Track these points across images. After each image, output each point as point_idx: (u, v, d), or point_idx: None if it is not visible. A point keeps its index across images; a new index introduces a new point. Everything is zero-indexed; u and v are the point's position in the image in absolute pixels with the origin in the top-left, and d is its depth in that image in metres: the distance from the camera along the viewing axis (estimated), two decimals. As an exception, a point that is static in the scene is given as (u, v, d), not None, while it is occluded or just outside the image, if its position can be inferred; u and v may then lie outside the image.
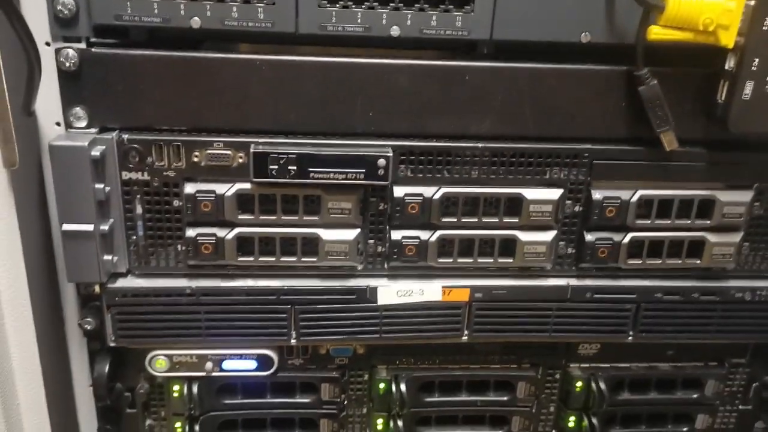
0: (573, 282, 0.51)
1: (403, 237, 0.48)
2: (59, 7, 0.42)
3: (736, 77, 0.44)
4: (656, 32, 0.43)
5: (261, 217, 0.47)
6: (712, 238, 0.50)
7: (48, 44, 0.43)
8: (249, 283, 0.49)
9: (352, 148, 0.46)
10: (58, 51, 0.43)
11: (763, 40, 0.43)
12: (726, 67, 0.44)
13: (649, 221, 0.50)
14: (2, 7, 0.37)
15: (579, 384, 0.56)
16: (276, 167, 0.45)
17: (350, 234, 0.48)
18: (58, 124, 0.45)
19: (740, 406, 0.59)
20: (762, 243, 0.52)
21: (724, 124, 0.45)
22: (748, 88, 0.44)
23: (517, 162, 0.48)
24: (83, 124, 0.45)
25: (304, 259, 0.49)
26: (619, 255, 0.50)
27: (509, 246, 0.50)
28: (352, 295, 0.50)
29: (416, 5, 0.44)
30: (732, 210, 0.49)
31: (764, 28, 0.42)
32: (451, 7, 0.44)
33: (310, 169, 0.46)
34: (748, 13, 0.42)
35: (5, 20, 0.38)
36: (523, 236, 0.49)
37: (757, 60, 0.43)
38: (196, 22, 0.43)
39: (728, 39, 0.43)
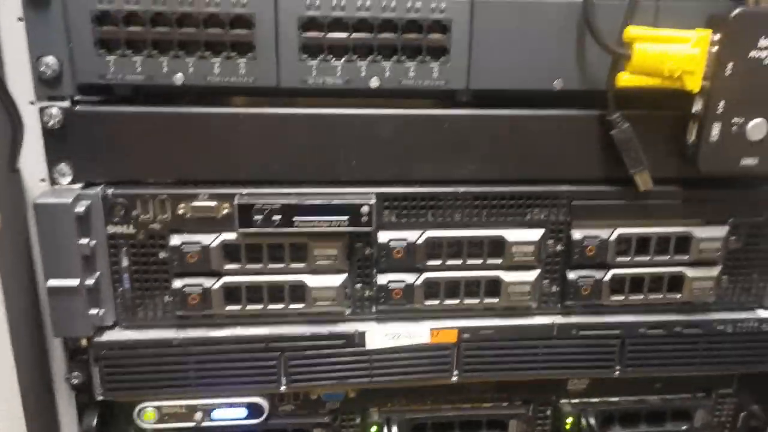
0: (558, 319, 0.52)
1: (390, 281, 0.49)
2: (43, 68, 0.43)
3: (704, 120, 0.45)
4: (625, 79, 0.45)
5: (247, 266, 0.48)
6: (690, 272, 0.51)
7: (32, 103, 0.44)
8: (237, 331, 0.49)
9: (335, 196, 0.47)
10: (42, 110, 0.44)
11: (726, 85, 0.44)
12: (693, 110, 0.46)
13: (628, 258, 0.51)
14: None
15: (570, 420, 0.57)
16: (260, 217, 0.46)
17: (337, 280, 0.49)
18: (42, 180, 0.46)
19: (729, 436, 0.60)
20: (740, 275, 0.53)
21: (695, 164, 0.47)
22: (716, 130, 0.45)
23: (498, 204, 0.49)
24: (68, 179, 0.46)
25: (291, 306, 0.49)
26: (602, 292, 0.51)
27: (494, 286, 0.50)
28: (341, 339, 0.50)
29: (394, 57, 0.45)
30: (709, 245, 0.51)
31: (727, 73, 0.44)
32: (428, 58, 0.45)
33: (295, 218, 0.46)
34: (711, 59, 0.44)
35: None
36: (507, 277, 0.50)
37: (722, 103, 0.45)
38: (178, 79, 0.44)
39: (694, 84, 0.44)
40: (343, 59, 0.45)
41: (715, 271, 0.52)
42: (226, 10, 0.43)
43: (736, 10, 0.43)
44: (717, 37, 0.44)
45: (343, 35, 0.44)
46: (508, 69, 0.46)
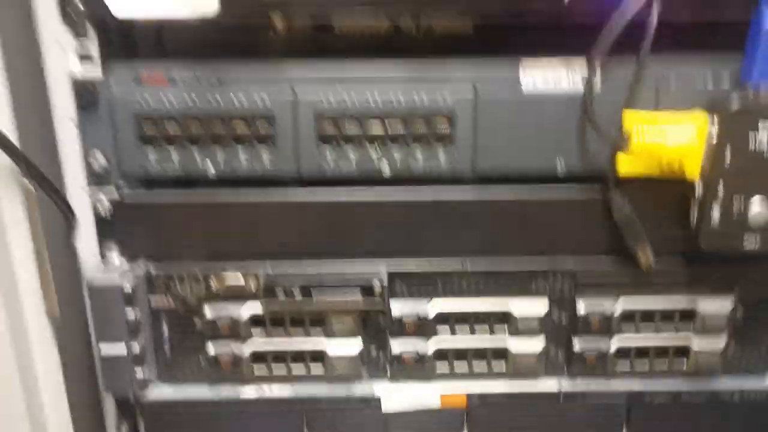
0: (565, 386, 0.54)
1: (402, 351, 0.53)
2: (92, 162, 0.49)
3: (704, 204, 0.47)
4: (625, 169, 0.47)
5: (273, 333, 0.53)
6: (696, 342, 0.53)
7: (83, 190, 0.50)
8: (264, 389, 0.54)
9: (351, 272, 0.51)
10: (93, 198, 0.50)
11: (725, 173, 0.46)
12: (696, 194, 0.47)
13: (633, 328, 0.53)
14: (39, 184, 0.44)
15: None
16: (283, 292, 0.51)
17: (354, 347, 0.53)
18: (94, 255, 0.52)
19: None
20: (747, 345, 0.54)
21: (698, 243, 0.48)
22: (716, 213, 0.47)
23: (504, 275, 0.52)
24: (116, 256, 0.52)
25: (313, 370, 0.54)
26: (607, 360, 0.53)
27: (502, 354, 0.53)
28: (357, 401, 0.54)
29: (404, 146, 0.49)
30: (714, 316, 0.52)
31: (723, 161, 0.45)
32: (435, 146, 0.49)
33: (313, 293, 0.51)
34: (710, 148, 0.45)
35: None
36: (514, 345, 0.53)
37: (721, 188, 0.46)
38: (211, 171, 0.50)
39: (693, 173, 0.46)
40: (357, 149, 0.49)
41: (721, 343, 0.53)
42: (250, 110, 0.48)
43: (736, 102, 0.44)
44: (715, 124, 0.45)
45: (355, 128, 0.48)
46: (510, 155, 0.49)
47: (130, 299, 0.51)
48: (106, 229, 0.51)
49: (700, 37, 0.47)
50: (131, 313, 0.51)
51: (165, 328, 0.53)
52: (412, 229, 0.51)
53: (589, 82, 0.47)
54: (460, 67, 0.48)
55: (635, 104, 0.47)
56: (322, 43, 0.51)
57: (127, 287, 0.50)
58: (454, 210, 0.51)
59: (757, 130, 0.45)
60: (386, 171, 0.50)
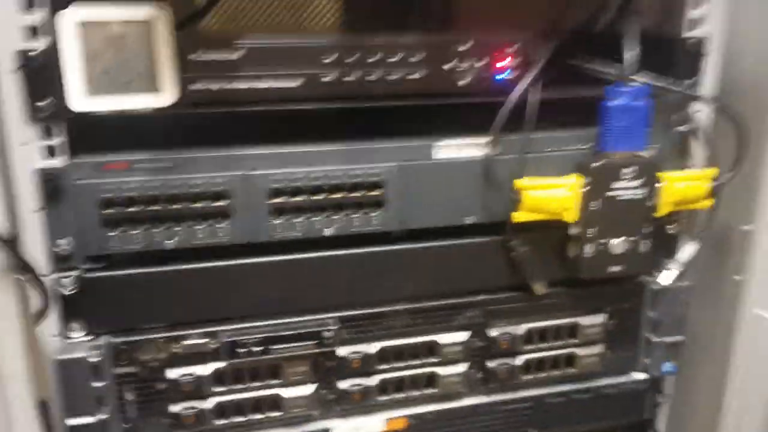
0: (483, 399, 0.65)
1: (350, 385, 0.61)
2: (58, 249, 0.52)
3: (579, 241, 0.60)
4: (519, 216, 0.59)
5: (233, 387, 0.58)
6: (580, 352, 0.66)
7: (46, 275, 0.53)
8: (225, 439, 0.60)
9: (303, 324, 0.58)
10: (56, 280, 0.53)
11: (593, 216, 0.59)
12: (572, 233, 0.61)
13: (534, 346, 0.65)
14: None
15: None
16: (243, 350, 0.57)
17: (308, 390, 0.60)
18: (55, 335, 0.55)
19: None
20: (617, 350, 0.68)
21: (577, 273, 0.62)
22: (588, 249, 0.60)
23: (432, 315, 0.62)
24: (78, 334, 0.55)
25: (270, 415, 0.60)
26: (516, 373, 0.65)
27: (433, 380, 0.63)
28: (312, 438, 0.61)
29: (342, 212, 0.57)
30: (592, 329, 0.66)
31: (593, 208, 0.59)
32: (369, 209, 0.58)
33: (271, 347, 0.57)
34: (582, 198, 0.59)
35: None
36: (442, 371, 0.63)
37: (591, 229, 0.60)
38: (169, 245, 0.55)
39: (570, 217, 0.59)
40: (303, 217, 0.57)
41: (598, 349, 0.67)
42: (206, 189, 0.54)
43: (596, 162, 0.58)
44: (584, 181, 0.59)
45: (301, 199, 0.56)
46: (430, 211, 0.60)
47: (95, 372, 0.54)
48: (68, 308, 0.54)
49: (572, 113, 0.61)
50: (97, 385, 0.54)
51: (129, 395, 0.57)
52: (354, 280, 0.60)
53: (489, 152, 0.59)
54: (386, 144, 0.58)
55: (525, 168, 0.59)
56: (270, 126, 0.58)
57: (93, 361, 0.53)
58: (387, 261, 0.60)
59: (613, 184, 0.59)
60: (328, 233, 0.58)
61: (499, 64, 0.59)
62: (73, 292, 0.53)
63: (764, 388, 0.68)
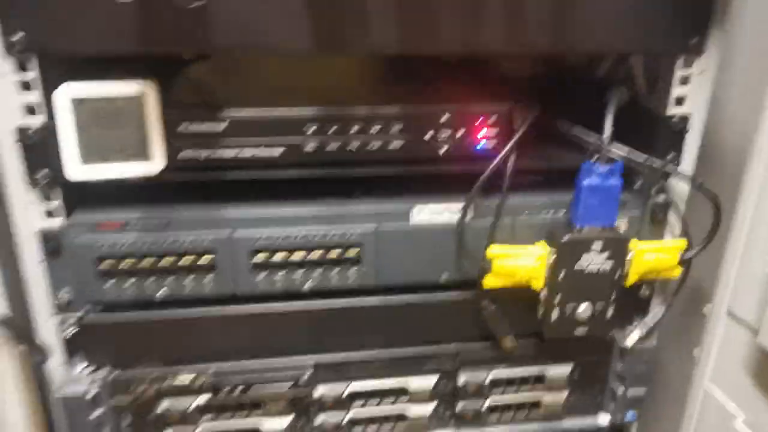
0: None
1: (323, 421, 0.66)
2: (60, 299, 0.58)
3: (546, 306, 0.63)
4: (490, 282, 0.62)
5: (218, 418, 0.65)
6: (546, 397, 0.70)
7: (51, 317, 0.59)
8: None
9: (282, 367, 0.64)
10: (60, 325, 0.59)
11: (560, 285, 0.61)
12: (540, 296, 0.63)
13: (501, 390, 0.69)
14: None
15: None
16: (226, 388, 0.63)
17: (284, 423, 0.66)
18: (59, 366, 0.61)
19: None
20: (581, 395, 0.72)
21: (544, 332, 0.65)
22: (555, 313, 0.63)
23: (405, 360, 0.66)
24: (80, 368, 0.61)
25: (252, 441, 0.66)
26: (482, 415, 0.69)
27: (403, 418, 0.68)
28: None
29: (321, 268, 0.61)
30: (558, 378, 0.69)
31: (560, 277, 0.61)
32: (347, 267, 0.62)
33: (252, 389, 0.63)
34: (549, 267, 0.61)
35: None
36: (412, 410, 0.68)
37: (558, 295, 0.62)
38: (160, 295, 0.60)
39: (538, 284, 0.62)
40: (283, 273, 0.61)
41: (563, 396, 0.70)
42: (194, 246, 0.58)
43: (565, 237, 0.60)
44: (553, 251, 0.61)
45: (282, 257, 0.60)
46: (405, 270, 0.63)
47: (94, 403, 0.60)
48: (70, 346, 0.60)
49: (544, 183, 0.63)
50: (95, 415, 0.61)
51: (125, 422, 0.63)
52: (331, 330, 0.64)
53: (461, 219, 0.61)
54: (365, 207, 0.61)
55: (497, 233, 0.62)
56: (255, 188, 0.61)
57: (91, 394, 0.60)
58: (363, 314, 0.64)
59: (581, 256, 0.61)
60: (307, 288, 0.62)
61: (478, 135, 0.61)
62: (73, 333, 0.59)
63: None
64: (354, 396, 0.66)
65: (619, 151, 0.60)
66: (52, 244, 0.56)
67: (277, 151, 0.58)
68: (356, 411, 0.67)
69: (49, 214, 0.56)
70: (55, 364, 0.60)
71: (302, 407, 0.66)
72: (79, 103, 0.53)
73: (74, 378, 0.61)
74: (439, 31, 0.53)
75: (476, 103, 0.60)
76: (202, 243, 0.59)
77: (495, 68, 0.78)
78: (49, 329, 0.59)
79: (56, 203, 0.56)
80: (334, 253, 0.61)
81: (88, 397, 0.60)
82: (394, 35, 0.52)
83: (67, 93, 0.52)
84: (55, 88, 0.51)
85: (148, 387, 0.62)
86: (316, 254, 0.61)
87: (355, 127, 0.58)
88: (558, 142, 0.65)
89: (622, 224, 0.63)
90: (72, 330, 0.59)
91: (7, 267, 0.56)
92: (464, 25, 0.53)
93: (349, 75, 0.72)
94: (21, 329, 0.55)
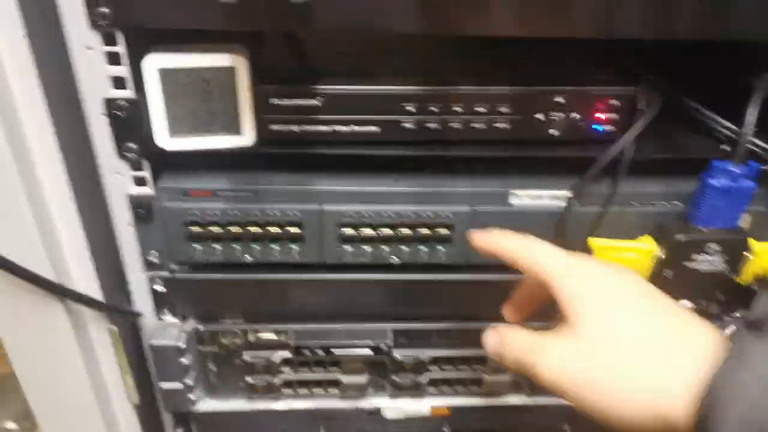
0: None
1: (401, 381, 0.68)
2: (150, 258, 0.58)
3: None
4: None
5: (299, 371, 0.67)
6: (488, 377, 0.68)
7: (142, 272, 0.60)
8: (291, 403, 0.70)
9: (362, 333, 0.64)
10: (151, 279, 0.60)
11: (665, 282, 0.57)
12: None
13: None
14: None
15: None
16: (307, 350, 0.64)
17: (363, 379, 0.67)
18: (153, 318, 0.63)
19: None
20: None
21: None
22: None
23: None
24: (171, 320, 0.63)
25: (329, 391, 0.69)
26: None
27: (479, 380, 0.69)
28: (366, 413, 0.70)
29: (412, 243, 0.59)
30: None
31: (665, 274, 0.57)
32: (436, 245, 0.59)
33: (333, 350, 0.64)
34: (655, 264, 0.57)
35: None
36: (488, 376, 0.68)
37: (660, 291, 0.58)
38: (248, 259, 0.59)
39: (639, 280, 0.58)
40: (372, 247, 0.59)
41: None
42: (282, 218, 0.57)
43: (681, 236, 0.55)
44: (662, 248, 0.56)
45: (371, 233, 0.58)
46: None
47: (182, 352, 0.63)
48: (162, 300, 0.62)
49: (657, 171, 0.57)
50: (184, 360, 0.63)
51: (211, 366, 0.66)
52: (410, 301, 0.63)
53: (567, 206, 0.57)
54: (460, 187, 0.57)
55: (601, 224, 0.57)
56: (345, 162, 0.58)
57: (180, 344, 0.62)
58: (445, 288, 0.62)
59: (695, 256, 0.56)
60: (396, 262, 0.60)
61: (594, 117, 0.54)
62: (164, 289, 0.60)
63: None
64: (431, 360, 0.67)
65: (758, 142, 0.53)
66: (142, 210, 0.56)
67: (374, 128, 0.54)
68: (432, 373, 0.68)
69: (139, 181, 0.54)
70: (147, 318, 0.62)
71: (381, 368, 0.67)
72: (166, 74, 0.49)
73: (164, 327, 0.63)
74: (570, 14, 0.46)
75: (594, 85, 0.53)
76: (290, 216, 0.57)
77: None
78: (141, 285, 0.60)
79: (147, 171, 0.54)
80: (424, 231, 0.58)
81: (176, 345, 0.62)
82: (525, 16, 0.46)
83: (155, 63, 0.49)
84: (140, 59, 0.48)
85: (232, 339, 0.64)
86: (405, 231, 0.58)
87: (461, 105, 0.53)
88: (683, 123, 0.58)
89: (744, 221, 0.57)
90: (161, 286, 0.60)
91: (102, 229, 0.56)
92: (599, 8, 0.45)
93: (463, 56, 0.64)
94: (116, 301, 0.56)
